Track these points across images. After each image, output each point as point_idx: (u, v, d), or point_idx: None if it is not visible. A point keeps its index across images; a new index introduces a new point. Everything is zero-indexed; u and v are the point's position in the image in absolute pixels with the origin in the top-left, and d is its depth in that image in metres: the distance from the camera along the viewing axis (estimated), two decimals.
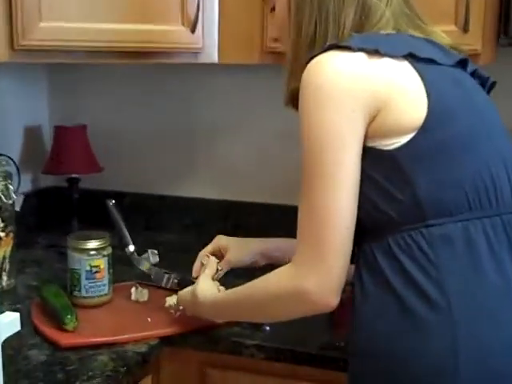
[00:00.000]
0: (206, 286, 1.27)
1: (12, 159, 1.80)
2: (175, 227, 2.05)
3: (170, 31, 1.53)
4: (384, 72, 1.00)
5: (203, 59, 1.60)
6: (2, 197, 1.49)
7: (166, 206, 2.08)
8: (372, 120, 1.00)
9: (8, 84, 1.92)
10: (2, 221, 1.50)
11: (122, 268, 1.56)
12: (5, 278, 1.53)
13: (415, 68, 1.01)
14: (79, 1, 1.45)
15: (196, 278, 1.36)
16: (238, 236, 1.45)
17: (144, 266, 1.50)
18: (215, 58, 1.61)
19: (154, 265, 1.47)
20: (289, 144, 1.96)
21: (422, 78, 1.00)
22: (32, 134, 2.06)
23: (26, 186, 2.01)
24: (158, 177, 2.08)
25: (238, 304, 1.18)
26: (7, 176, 1.54)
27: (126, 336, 1.30)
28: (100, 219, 2.04)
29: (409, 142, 0.98)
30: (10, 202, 1.52)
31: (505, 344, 0.94)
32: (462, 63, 1.08)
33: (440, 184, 0.99)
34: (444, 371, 0.94)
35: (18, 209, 1.69)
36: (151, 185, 2.08)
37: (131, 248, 1.49)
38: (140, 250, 1.51)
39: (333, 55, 1.01)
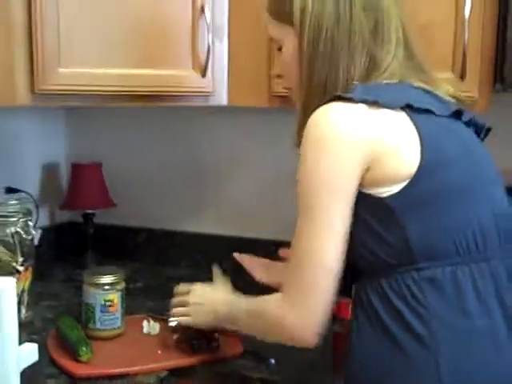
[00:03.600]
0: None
1: (31, 195, 1.88)
2: (184, 262, 2.12)
3: (181, 76, 1.61)
4: (382, 124, 1.05)
5: (213, 102, 1.68)
6: (22, 233, 1.57)
7: (176, 242, 2.15)
8: (368, 169, 1.04)
9: (28, 124, 2.02)
10: (22, 255, 1.57)
11: (133, 301, 1.63)
12: (23, 310, 1.60)
13: (412, 119, 1.06)
14: (96, 47, 1.53)
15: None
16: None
17: None
18: (225, 101, 1.69)
19: None
20: (290, 183, 2.03)
21: (418, 130, 1.05)
22: (50, 171, 2.15)
23: (44, 220, 2.09)
24: (168, 213, 2.16)
25: (237, 309, 1.27)
26: (27, 213, 1.62)
27: (136, 368, 1.36)
28: (113, 253, 2.14)
29: (401, 191, 1.03)
30: (30, 237, 1.59)
31: (488, 381, 1.00)
32: (457, 114, 1.13)
33: (429, 231, 1.04)
34: None
35: (36, 243, 1.77)
36: (162, 220, 2.16)
37: None
38: None
39: (335, 107, 1.06)
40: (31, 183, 2.03)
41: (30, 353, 1.19)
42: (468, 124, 1.15)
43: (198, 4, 1.59)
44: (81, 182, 2.08)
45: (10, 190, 1.88)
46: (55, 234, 2.13)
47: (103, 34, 1.53)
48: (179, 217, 2.15)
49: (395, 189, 1.03)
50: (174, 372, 1.40)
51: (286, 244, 1.96)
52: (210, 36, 1.60)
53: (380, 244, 1.06)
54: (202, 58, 1.61)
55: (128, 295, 1.59)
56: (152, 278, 2.02)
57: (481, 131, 1.20)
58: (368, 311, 1.07)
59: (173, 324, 1.48)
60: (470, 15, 1.44)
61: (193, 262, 2.11)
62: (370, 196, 1.05)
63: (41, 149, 2.11)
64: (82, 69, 1.52)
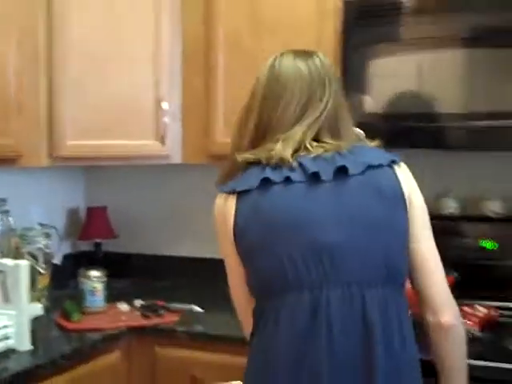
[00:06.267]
0: None
1: (54, 227, 2.72)
2: (167, 277, 2.91)
3: (148, 144, 2.45)
4: (227, 204, 1.47)
5: (170, 161, 2.52)
6: (44, 248, 2.41)
7: (160, 263, 2.95)
8: None
9: (55, 178, 2.89)
10: (44, 263, 2.40)
11: (120, 297, 2.45)
12: (44, 300, 2.41)
13: (237, 200, 1.45)
14: (90, 127, 2.38)
15: None
16: None
17: None
18: (179, 160, 2.52)
19: None
20: None
21: (236, 210, 1.45)
22: (72, 213, 3.02)
23: (67, 248, 2.93)
24: (155, 241, 2.98)
25: None
26: (48, 236, 2.46)
27: (107, 326, 2.17)
28: (116, 272, 2.94)
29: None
30: (48, 251, 2.43)
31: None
32: (287, 179, 1.42)
33: (250, 277, 1.48)
34: None
35: (58, 263, 2.60)
36: (150, 247, 2.98)
37: None
38: None
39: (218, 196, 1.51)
40: (58, 221, 2.87)
41: (36, 308, 2.01)
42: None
43: (159, 98, 2.44)
44: (92, 220, 2.92)
45: (41, 225, 2.72)
46: (74, 259, 2.96)
47: (95, 121, 2.39)
48: (162, 245, 2.97)
49: None
50: (132, 330, 2.19)
51: None
52: (167, 118, 2.45)
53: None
54: (162, 132, 2.45)
55: (117, 294, 2.44)
56: (140, 287, 2.82)
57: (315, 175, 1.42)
58: None
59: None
60: None
61: (173, 277, 2.90)
62: None
63: (65, 196, 2.98)
64: (82, 141, 2.37)
